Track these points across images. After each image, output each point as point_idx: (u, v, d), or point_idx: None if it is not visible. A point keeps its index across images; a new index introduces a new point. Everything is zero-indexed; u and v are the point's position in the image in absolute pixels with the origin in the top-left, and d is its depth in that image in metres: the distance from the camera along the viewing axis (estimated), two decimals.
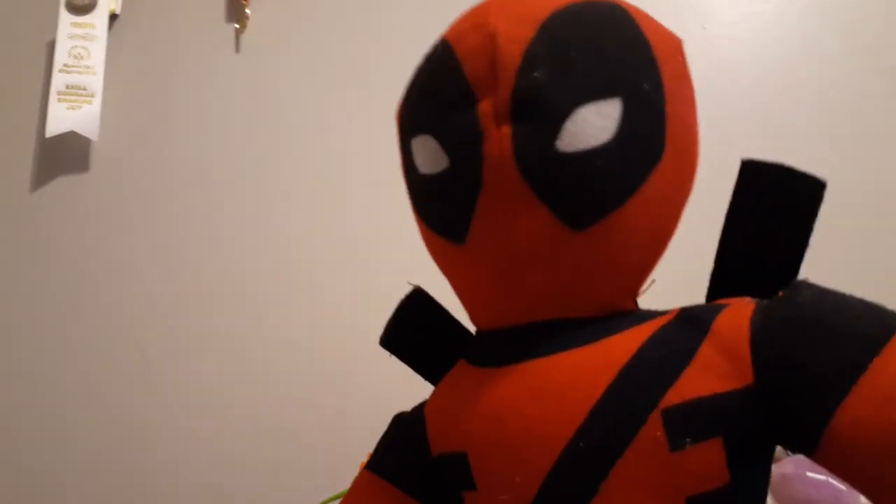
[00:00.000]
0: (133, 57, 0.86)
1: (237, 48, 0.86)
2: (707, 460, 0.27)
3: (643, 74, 0.29)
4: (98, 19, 0.84)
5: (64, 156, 0.84)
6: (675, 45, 0.31)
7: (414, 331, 0.39)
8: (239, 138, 0.84)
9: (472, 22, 0.30)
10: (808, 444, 0.27)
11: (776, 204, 0.30)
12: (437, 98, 0.31)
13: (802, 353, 0.27)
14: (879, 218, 0.76)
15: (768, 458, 0.30)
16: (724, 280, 0.32)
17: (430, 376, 0.39)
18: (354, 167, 0.82)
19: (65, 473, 0.77)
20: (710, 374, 0.28)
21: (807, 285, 0.29)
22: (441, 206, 0.32)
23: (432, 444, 0.35)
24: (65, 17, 0.83)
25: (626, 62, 0.29)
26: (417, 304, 0.39)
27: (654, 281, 0.33)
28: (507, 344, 0.32)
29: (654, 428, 0.27)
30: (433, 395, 0.37)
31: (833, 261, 0.74)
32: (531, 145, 0.28)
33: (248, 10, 0.85)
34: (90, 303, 0.81)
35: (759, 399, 0.27)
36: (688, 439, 0.27)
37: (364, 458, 0.45)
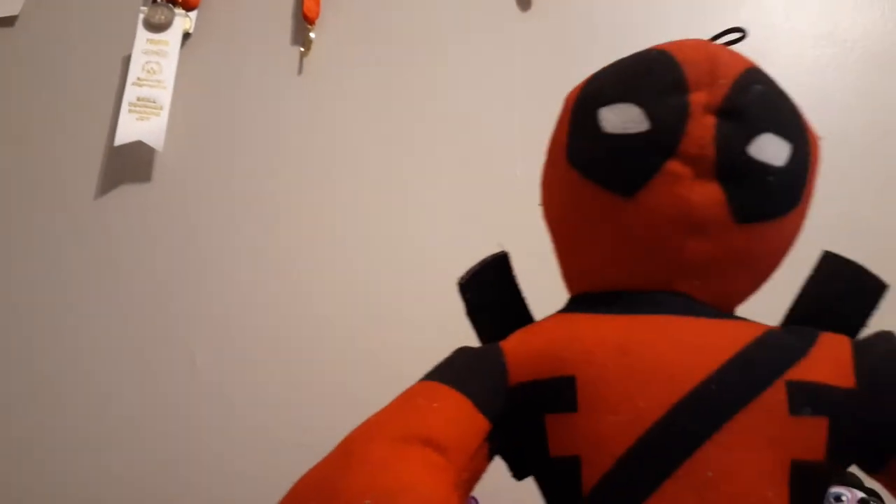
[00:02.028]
0: (201, 74, 0.90)
1: (300, 70, 0.89)
2: (815, 433, 0.32)
3: (802, 140, 0.36)
4: (172, 37, 0.89)
5: (129, 165, 0.88)
6: (817, 138, 0.38)
7: (490, 289, 0.40)
8: (297, 158, 0.87)
9: (692, 44, 0.37)
10: (876, 462, 0.32)
11: (843, 293, 0.36)
12: (649, 80, 0.36)
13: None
14: None
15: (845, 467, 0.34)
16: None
17: (483, 334, 0.40)
18: (413, 191, 0.83)
19: (107, 481, 0.78)
20: (821, 368, 0.33)
21: None
22: (623, 161, 0.35)
23: (511, 375, 0.36)
24: (142, 34, 0.88)
25: (796, 124, 0.37)
26: (501, 266, 0.40)
27: None
28: (632, 300, 0.36)
29: (778, 392, 0.32)
30: (520, 334, 0.38)
31: None
32: (729, 139, 0.34)
33: (312, 35, 0.89)
34: (145, 308, 0.83)
35: (857, 403, 0.32)
36: (807, 408, 0.32)
37: None
